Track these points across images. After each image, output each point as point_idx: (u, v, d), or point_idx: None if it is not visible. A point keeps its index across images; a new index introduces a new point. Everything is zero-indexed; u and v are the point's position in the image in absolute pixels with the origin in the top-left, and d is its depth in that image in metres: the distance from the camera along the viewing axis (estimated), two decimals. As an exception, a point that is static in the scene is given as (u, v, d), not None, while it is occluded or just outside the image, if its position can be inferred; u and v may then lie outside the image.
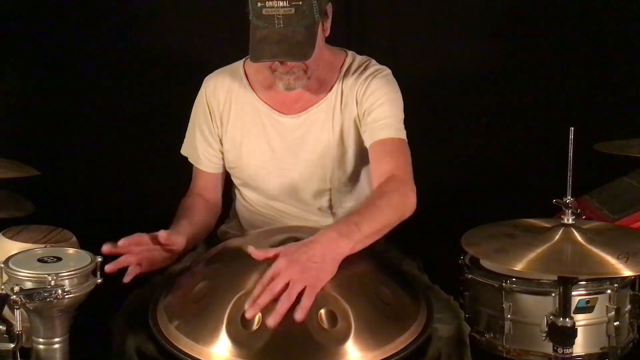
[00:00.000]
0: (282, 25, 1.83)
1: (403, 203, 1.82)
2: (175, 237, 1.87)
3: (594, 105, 2.92)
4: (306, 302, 1.52)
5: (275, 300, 1.53)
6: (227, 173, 2.22)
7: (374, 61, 2.12)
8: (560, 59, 2.93)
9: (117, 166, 2.96)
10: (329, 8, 1.96)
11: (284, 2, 1.82)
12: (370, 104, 2.02)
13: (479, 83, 2.95)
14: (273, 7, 1.82)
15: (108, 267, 1.71)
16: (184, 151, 2.22)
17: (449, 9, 2.92)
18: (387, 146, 1.97)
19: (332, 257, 1.61)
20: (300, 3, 1.83)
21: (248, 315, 1.52)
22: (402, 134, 2.00)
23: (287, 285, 1.54)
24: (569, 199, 1.72)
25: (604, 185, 2.49)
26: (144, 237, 1.81)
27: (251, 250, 1.65)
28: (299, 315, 1.50)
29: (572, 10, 2.89)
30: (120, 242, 1.77)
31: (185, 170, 2.22)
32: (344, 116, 2.07)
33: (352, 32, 2.80)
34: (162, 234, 1.82)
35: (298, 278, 1.54)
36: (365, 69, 2.08)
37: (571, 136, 1.73)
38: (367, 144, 2.01)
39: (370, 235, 1.70)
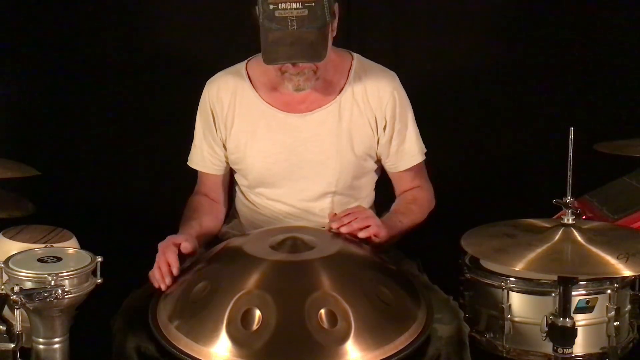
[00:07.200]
0: (295, 27, 1.82)
1: (429, 206, 2.19)
2: (191, 245, 1.85)
3: (594, 105, 2.91)
4: (363, 233, 1.87)
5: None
6: (230, 174, 2.21)
7: (381, 66, 2.14)
8: (561, 59, 2.92)
9: (118, 166, 2.96)
10: (336, 8, 1.96)
11: (297, 3, 1.81)
12: (399, 127, 2.10)
13: (478, 83, 2.95)
14: (286, 9, 1.81)
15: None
16: (190, 159, 2.20)
17: (450, 8, 2.92)
18: (415, 169, 2.18)
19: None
20: (313, 4, 1.82)
21: (334, 226, 1.88)
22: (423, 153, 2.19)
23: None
24: (569, 199, 1.72)
25: (604, 185, 2.48)
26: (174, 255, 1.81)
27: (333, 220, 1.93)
28: (335, 225, 1.89)
29: (572, 10, 2.89)
30: (175, 272, 1.76)
31: (186, 171, 2.22)
32: (355, 120, 2.07)
33: (352, 32, 2.80)
34: (184, 246, 1.82)
35: (372, 220, 1.90)
36: (380, 77, 2.09)
37: (571, 136, 1.72)
38: (394, 169, 2.15)
39: (406, 230, 2.07)
